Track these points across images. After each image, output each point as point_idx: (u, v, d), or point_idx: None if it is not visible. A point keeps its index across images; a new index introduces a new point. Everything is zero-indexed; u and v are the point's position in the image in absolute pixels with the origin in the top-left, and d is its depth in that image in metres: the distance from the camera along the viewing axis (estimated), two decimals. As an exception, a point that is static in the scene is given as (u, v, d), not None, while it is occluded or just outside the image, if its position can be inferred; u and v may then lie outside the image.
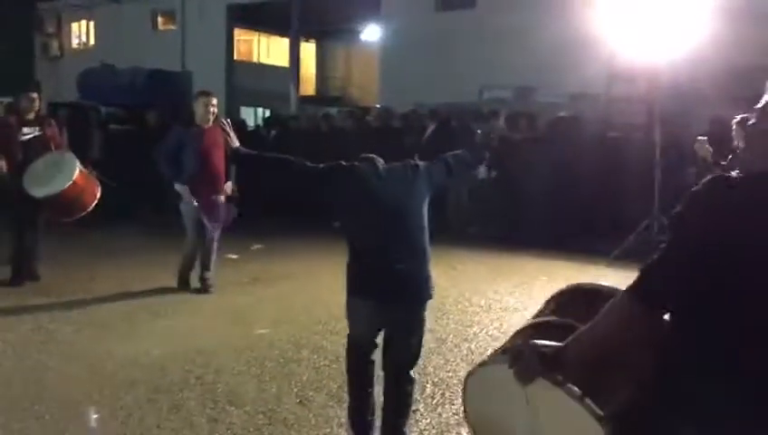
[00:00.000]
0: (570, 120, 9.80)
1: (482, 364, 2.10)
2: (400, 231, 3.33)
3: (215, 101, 6.56)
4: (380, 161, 3.55)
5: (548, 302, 2.37)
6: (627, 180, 8.57)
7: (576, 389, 1.78)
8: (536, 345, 1.86)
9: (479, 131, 4.06)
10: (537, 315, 2.32)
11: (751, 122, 1.76)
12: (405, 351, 3.46)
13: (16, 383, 4.37)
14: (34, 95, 6.80)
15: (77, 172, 6.44)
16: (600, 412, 1.73)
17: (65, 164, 6.56)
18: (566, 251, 8.29)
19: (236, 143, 3.82)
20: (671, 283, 1.71)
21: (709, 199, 1.67)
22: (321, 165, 3.54)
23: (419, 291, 3.38)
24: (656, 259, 1.74)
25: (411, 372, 3.50)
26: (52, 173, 6.45)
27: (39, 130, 6.74)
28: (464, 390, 2.16)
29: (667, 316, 1.74)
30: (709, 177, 1.71)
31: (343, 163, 3.52)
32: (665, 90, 8.73)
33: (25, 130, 6.67)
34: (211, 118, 6.41)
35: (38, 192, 6.37)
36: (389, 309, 3.34)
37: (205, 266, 6.71)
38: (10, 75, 16.71)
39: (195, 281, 6.74)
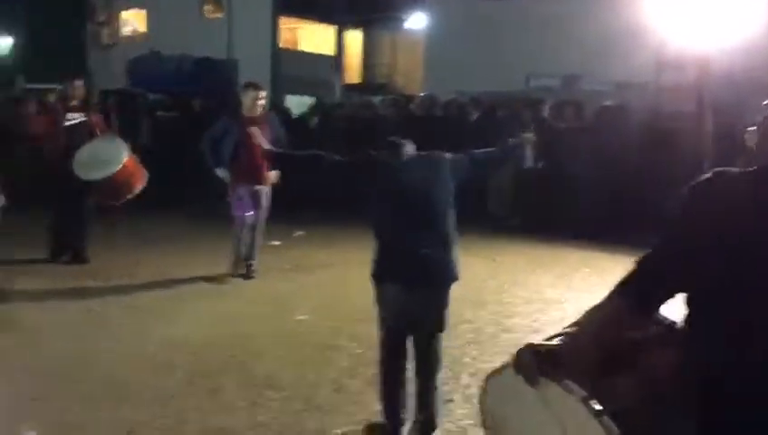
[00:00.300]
0: (616, 109, 9.61)
1: (497, 371, 2.07)
2: (424, 218, 3.48)
3: (263, 94, 6.61)
4: (407, 148, 3.66)
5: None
6: (675, 171, 8.37)
7: (574, 385, 1.74)
8: (532, 344, 1.85)
9: (510, 140, 4.09)
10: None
11: (764, 117, 1.71)
12: (433, 325, 3.61)
13: (63, 363, 4.50)
14: (79, 82, 7.04)
15: (126, 156, 6.63)
16: (599, 408, 1.68)
17: (114, 148, 6.79)
18: (609, 243, 8.13)
19: (266, 145, 4.03)
20: (665, 279, 1.66)
21: (713, 193, 1.62)
22: (348, 158, 3.74)
23: (444, 274, 3.54)
24: (649, 254, 1.69)
25: (436, 348, 3.65)
26: (102, 157, 6.66)
27: (84, 116, 6.95)
28: (481, 401, 2.14)
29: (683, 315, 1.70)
30: (713, 171, 1.66)
31: (369, 154, 3.69)
32: (717, 78, 8.49)
33: (70, 115, 6.89)
34: (258, 110, 6.48)
35: (91, 176, 6.58)
36: (416, 292, 3.49)
37: (249, 253, 6.79)
38: (63, 64, 17.13)
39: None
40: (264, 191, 6.66)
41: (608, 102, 9.81)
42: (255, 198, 6.63)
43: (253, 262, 6.78)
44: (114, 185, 6.68)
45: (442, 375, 3.74)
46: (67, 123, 6.89)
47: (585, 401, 1.70)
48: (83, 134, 6.89)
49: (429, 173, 3.55)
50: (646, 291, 1.68)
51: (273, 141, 6.29)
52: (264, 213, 6.72)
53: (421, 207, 3.47)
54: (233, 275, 6.70)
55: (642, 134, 9.21)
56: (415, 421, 3.62)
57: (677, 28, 8.35)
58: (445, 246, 3.51)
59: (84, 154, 6.70)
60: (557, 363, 1.78)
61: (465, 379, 4.34)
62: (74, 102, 7.00)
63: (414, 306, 3.52)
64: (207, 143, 6.55)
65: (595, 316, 1.76)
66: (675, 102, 10.25)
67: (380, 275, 3.55)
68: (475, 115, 10.38)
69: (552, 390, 1.78)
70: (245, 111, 6.51)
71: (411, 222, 3.46)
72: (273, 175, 6.68)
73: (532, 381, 1.82)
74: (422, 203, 3.47)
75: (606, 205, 8.66)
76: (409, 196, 3.47)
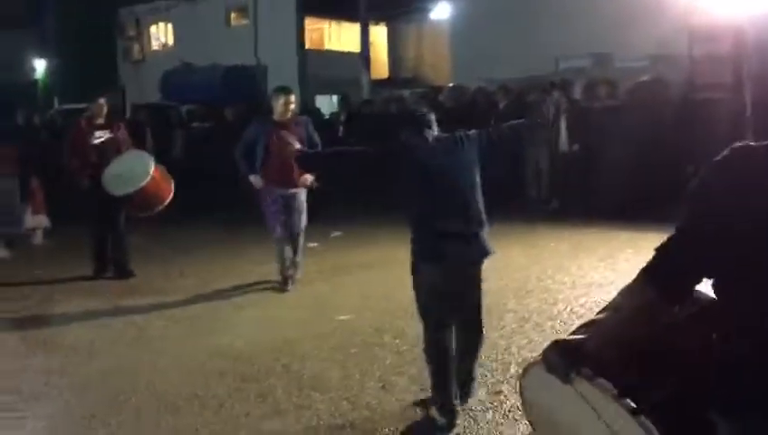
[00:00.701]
0: (651, 85, 9.41)
1: (530, 366, 2.01)
2: (456, 197, 3.58)
3: (293, 98, 6.55)
4: (431, 128, 3.73)
5: None
6: (713, 145, 8.15)
7: (606, 382, 1.68)
8: (557, 342, 1.81)
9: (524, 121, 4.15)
10: None
11: None
12: (472, 298, 3.76)
13: (112, 378, 4.56)
14: (102, 100, 7.19)
15: (152, 167, 6.80)
16: (633, 405, 1.62)
17: (141, 161, 6.95)
18: (652, 222, 7.91)
19: (297, 145, 4.17)
20: (692, 261, 1.59)
21: (733, 169, 1.56)
22: (374, 147, 3.81)
23: (480, 251, 3.66)
24: (672, 238, 1.62)
25: (479, 321, 3.80)
26: (130, 171, 6.81)
27: (110, 133, 7.09)
28: (520, 394, 2.09)
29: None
30: (731, 146, 1.58)
31: (393, 141, 3.76)
32: (752, 47, 8.24)
33: (97, 133, 7.03)
34: (289, 115, 6.46)
35: (121, 190, 6.74)
36: (454, 270, 3.60)
37: (293, 263, 6.72)
38: (96, 82, 17.44)
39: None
40: (298, 195, 6.54)
41: (642, 78, 9.62)
42: (289, 203, 6.52)
43: (293, 272, 6.66)
44: (145, 197, 6.81)
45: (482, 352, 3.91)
46: (95, 141, 7.01)
47: (618, 398, 1.65)
48: (111, 150, 7.04)
49: (456, 153, 3.64)
50: (672, 276, 1.61)
51: (306, 145, 6.29)
52: (302, 219, 6.58)
53: (452, 186, 3.57)
54: (283, 287, 6.58)
55: (678, 108, 9.00)
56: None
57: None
58: (478, 223, 3.62)
59: (112, 170, 6.87)
60: (585, 356, 1.73)
61: (513, 369, 4.29)
62: (99, 120, 7.13)
63: (452, 284, 3.62)
64: (240, 150, 6.54)
65: (623, 304, 1.72)
66: (709, 74, 9.98)
67: (419, 257, 3.64)
68: (503, 102, 10.26)
69: (585, 386, 1.74)
70: (277, 117, 6.45)
71: (443, 202, 3.54)
72: (307, 178, 6.61)
73: (564, 380, 1.78)
74: (452, 182, 3.57)
75: (645, 183, 8.47)
76: (440, 176, 3.55)
